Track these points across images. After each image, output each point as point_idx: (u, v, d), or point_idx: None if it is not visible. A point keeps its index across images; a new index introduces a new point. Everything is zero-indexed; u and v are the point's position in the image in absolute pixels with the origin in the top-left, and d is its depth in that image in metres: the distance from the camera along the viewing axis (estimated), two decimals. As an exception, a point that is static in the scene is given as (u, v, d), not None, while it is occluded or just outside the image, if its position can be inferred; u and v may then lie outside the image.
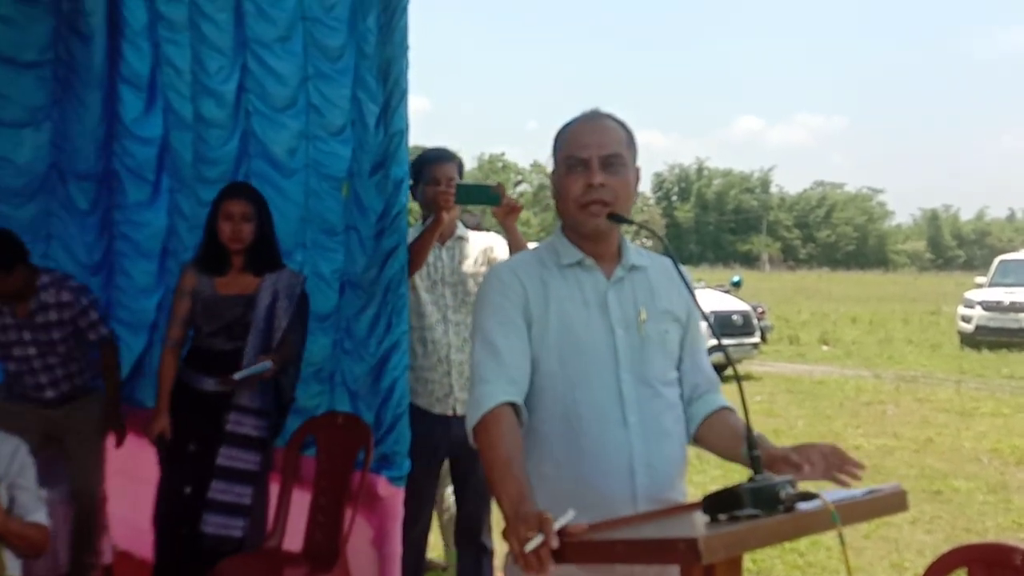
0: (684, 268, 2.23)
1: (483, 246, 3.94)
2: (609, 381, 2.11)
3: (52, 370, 4.22)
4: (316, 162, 4.08)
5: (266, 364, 3.66)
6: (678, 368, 2.26)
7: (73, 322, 4.20)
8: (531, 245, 2.79)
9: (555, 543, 1.66)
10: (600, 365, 2.12)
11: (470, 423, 2.03)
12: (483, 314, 2.17)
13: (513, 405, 2.03)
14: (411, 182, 3.97)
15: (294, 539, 3.79)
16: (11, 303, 4.12)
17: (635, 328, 2.16)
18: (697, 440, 2.26)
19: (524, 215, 64.60)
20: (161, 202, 4.89)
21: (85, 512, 4.24)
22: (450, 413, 3.74)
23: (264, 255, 3.87)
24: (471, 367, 2.12)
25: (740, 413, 1.92)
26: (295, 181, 4.18)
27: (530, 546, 1.66)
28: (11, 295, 4.08)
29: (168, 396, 3.88)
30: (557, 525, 1.69)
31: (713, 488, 1.81)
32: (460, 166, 3.96)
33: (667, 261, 2.34)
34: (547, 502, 2.00)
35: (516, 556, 1.67)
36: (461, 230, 3.97)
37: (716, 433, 2.21)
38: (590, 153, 2.13)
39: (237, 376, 3.64)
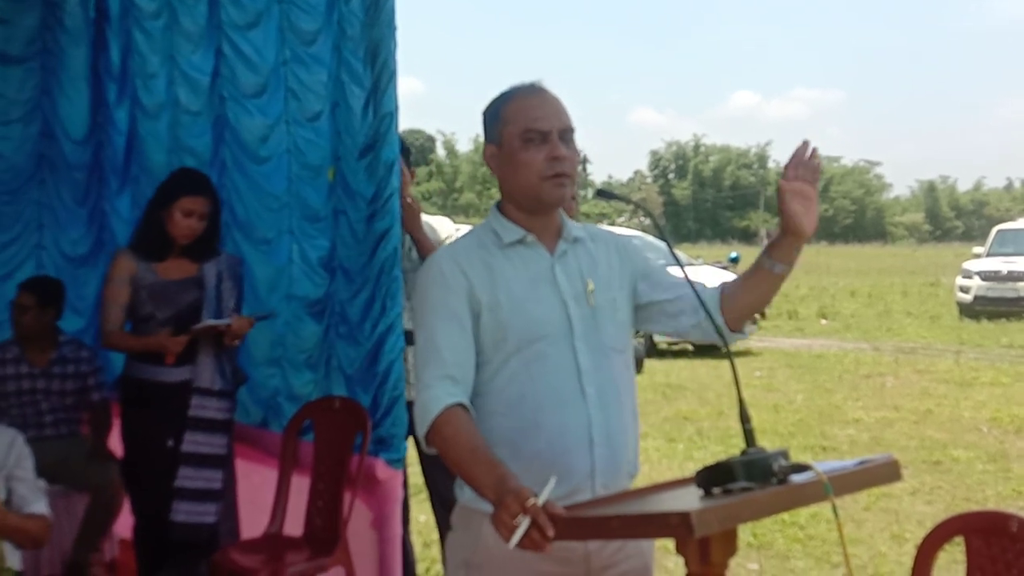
0: (675, 245, 2.22)
1: (442, 230, 4.00)
2: (566, 354, 2.10)
3: (56, 412, 4.47)
4: (296, 148, 4.05)
5: (227, 319, 3.69)
6: (664, 293, 2.23)
7: (85, 378, 4.51)
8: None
9: (550, 530, 1.66)
10: (556, 340, 2.10)
11: (421, 431, 2.01)
12: (425, 308, 2.14)
13: (461, 405, 2.01)
14: None
15: (294, 524, 3.80)
16: (31, 349, 4.44)
17: (584, 299, 2.15)
18: (728, 315, 2.19)
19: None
20: (128, 192, 4.86)
21: (101, 503, 4.25)
22: None
23: (210, 246, 3.85)
24: (415, 366, 2.11)
25: (732, 389, 1.91)
26: (271, 167, 4.15)
27: (517, 536, 1.67)
28: (34, 336, 4.42)
29: (147, 340, 3.76)
30: (540, 500, 1.70)
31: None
32: (407, 153, 3.96)
33: (605, 232, 2.35)
34: None
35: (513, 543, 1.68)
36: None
37: (734, 291, 2.20)
38: (551, 126, 2.11)
39: (202, 324, 3.66)
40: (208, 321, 3.71)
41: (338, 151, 3.77)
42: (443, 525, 4.00)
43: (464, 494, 2.17)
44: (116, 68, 4.74)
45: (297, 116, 4.01)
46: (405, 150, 3.89)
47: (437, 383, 2.03)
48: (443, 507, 3.94)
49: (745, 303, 2.21)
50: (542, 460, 2.03)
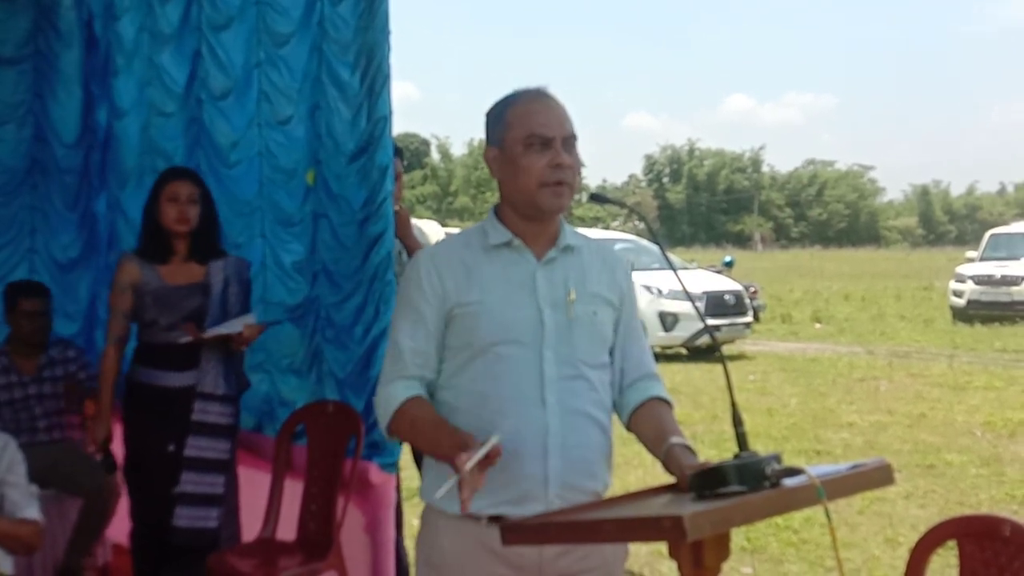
0: (668, 251, 2.21)
1: (432, 234, 4.03)
2: (531, 360, 2.09)
3: (49, 417, 4.47)
4: (268, 151, 4.05)
5: (236, 325, 3.65)
6: (611, 354, 2.24)
7: (75, 376, 4.54)
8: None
9: (466, 491, 1.83)
10: (524, 344, 2.09)
11: (383, 421, 2.14)
12: (398, 308, 2.23)
13: (420, 397, 2.13)
14: None
15: (287, 528, 3.79)
16: (19, 356, 4.44)
17: (564, 308, 2.13)
18: (630, 429, 2.24)
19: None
20: (104, 195, 4.86)
21: (95, 509, 4.24)
22: None
23: (210, 241, 3.81)
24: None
25: (726, 393, 1.91)
26: (240, 171, 4.13)
27: (441, 491, 1.85)
28: (37, 343, 4.43)
29: (111, 398, 3.78)
30: (472, 461, 1.83)
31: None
32: (399, 153, 4.01)
33: (606, 247, 2.34)
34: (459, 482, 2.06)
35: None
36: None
37: (642, 428, 2.19)
38: (555, 133, 2.10)
39: (212, 332, 3.63)
40: (219, 329, 3.67)
41: (318, 154, 3.77)
42: None
43: (423, 490, 2.21)
44: (100, 69, 4.73)
45: (269, 119, 4.02)
46: (397, 151, 3.92)
47: (397, 380, 2.13)
48: None
49: (636, 435, 2.22)
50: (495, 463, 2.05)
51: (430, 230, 4.09)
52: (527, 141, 2.10)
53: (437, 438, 1.99)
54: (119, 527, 4.43)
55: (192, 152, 4.39)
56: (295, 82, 3.86)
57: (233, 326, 3.68)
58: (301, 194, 3.89)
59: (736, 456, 1.78)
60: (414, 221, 4.04)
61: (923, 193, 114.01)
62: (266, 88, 4.00)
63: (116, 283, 3.77)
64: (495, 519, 2.01)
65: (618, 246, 14.41)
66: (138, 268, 3.74)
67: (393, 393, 2.11)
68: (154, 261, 3.76)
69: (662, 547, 1.72)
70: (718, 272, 16.96)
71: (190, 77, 4.35)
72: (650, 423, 2.18)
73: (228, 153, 4.19)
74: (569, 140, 2.13)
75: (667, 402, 2.24)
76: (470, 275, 2.13)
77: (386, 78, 3.45)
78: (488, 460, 1.86)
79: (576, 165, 2.14)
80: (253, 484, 4.04)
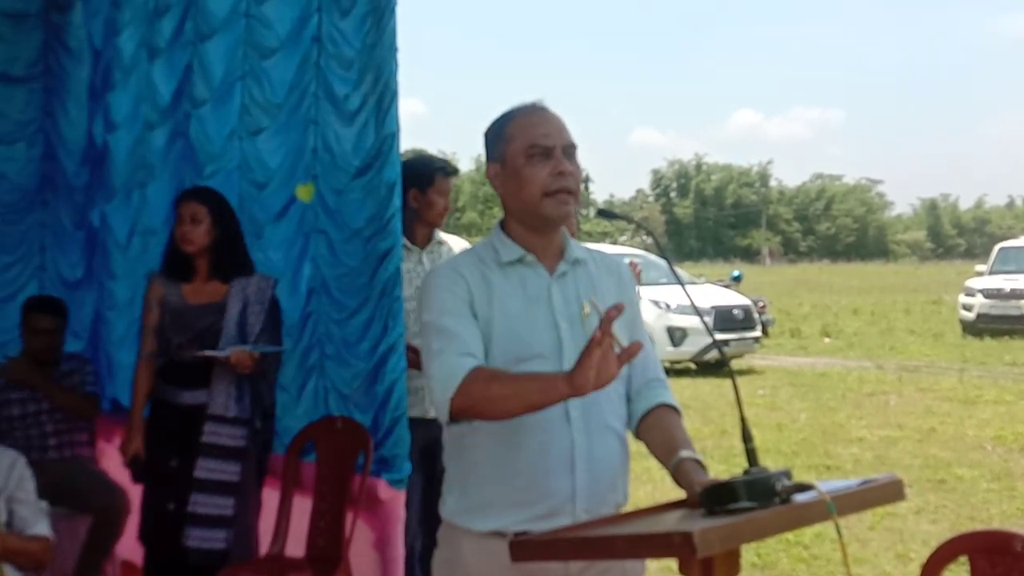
0: (675, 265, 2.21)
1: (460, 250, 4.03)
2: None
3: (60, 434, 4.49)
4: (247, 164, 4.07)
5: (227, 351, 3.63)
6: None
7: (84, 384, 4.59)
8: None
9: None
10: (544, 360, 2.07)
11: (446, 393, 1.97)
12: (430, 308, 2.11)
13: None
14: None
15: (296, 545, 3.78)
16: (36, 369, 4.46)
17: (579, 322, 2.13)
18: (638, 436, 2.23)
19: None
20: (96, 210, 4.87)
21: (105, 526, 4.24)
22: None
23: (227, 259, 3.79)
24: (424, 357, 2.10)
25: (735, 408, 1.91)
26: (217, 183, 4.09)
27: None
28: (48, 360, 4.47)
29: (141, 413, 3.83)
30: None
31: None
32: (455, 171, 4.11)
33: (608, 257, 2.35)
34: (485, 500, 2.07)
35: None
36: (439, 235, 4.05)
37: (651, 437, 2.18)
38: (555, 141, 2.12)
39: (199, 353, 3.62)
40: (206, 351, 3.65)
41: (314, 170, 3.77)
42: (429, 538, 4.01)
43: (446, 510, 2.18)
44: (100, 83, 4.77)
45: (249, 132, 4.04)
46: (454, 170, 4.04)
47: (457, 357, 2.00)
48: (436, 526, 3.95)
49: (645, 442, 2.20)
50: (522, 479, 2.05)
51: (456, 244, 4.10)
52: (529, 152, 2.12)
53: (530, 384, 1.91)
54: (129, 544, 4.43)
55: (178, 166, 4.41)
56: (276, 97, 3.88)
57: (220, 351, 3.66)
58: (280, 208, 3.90)
59: (746, 472, 1.78)
60: (442, 235, 4.07)
61: (931, 207, 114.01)
62: (247, 101, 4.03)
63: (145, 300, 3.86)
64: (522, 535, 1.99)
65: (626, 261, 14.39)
66: (162, 286, 3.80)
67: (457, 363, 1.99)
68: (178, 280, 3.80)
69: (672, 563, 1.71)
70: (726, 287, 16.95)
71: (179, 91, 4.37)
72: (659, 432, 2.18)
73: (204, 165, 4.21)
74: (569, 148, 2.14)
75: (675, 409, 2.23)
76: (490, 289, 2.13)
77: (394, 95, 3.47)
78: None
79: (577, 173, 2.15)
80: (262, 501, 4.04)
